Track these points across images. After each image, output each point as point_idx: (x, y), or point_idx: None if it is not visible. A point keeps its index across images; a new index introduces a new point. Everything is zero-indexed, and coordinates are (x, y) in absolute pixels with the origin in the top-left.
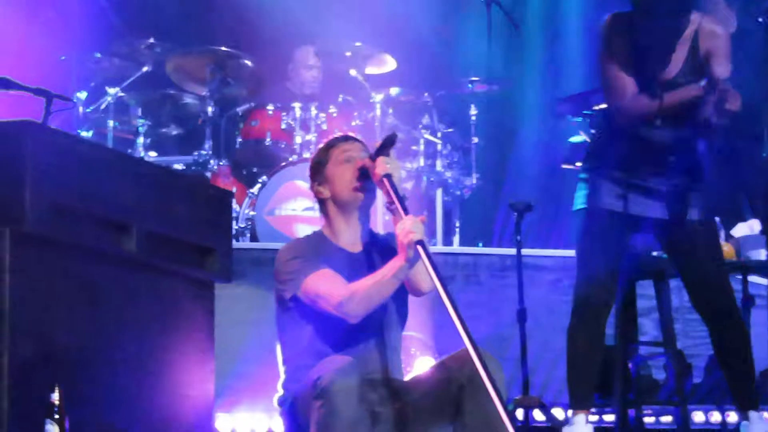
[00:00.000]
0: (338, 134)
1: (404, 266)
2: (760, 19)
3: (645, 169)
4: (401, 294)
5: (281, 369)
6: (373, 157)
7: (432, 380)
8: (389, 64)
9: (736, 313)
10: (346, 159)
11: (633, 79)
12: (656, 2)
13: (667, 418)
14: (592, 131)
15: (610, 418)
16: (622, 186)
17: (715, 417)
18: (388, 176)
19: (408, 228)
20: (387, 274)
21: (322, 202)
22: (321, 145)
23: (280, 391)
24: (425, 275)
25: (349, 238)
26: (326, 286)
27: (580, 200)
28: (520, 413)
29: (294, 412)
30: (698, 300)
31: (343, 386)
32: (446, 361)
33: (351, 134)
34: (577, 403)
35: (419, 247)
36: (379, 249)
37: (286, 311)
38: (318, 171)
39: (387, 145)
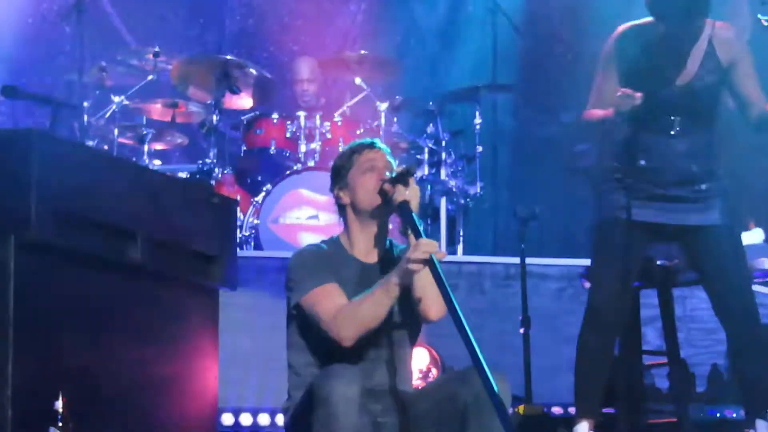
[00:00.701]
0: (364, 139)
1: (395, 283)
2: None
3: (665, 177)
4: (412, 308)
5: (288, 374)
6: (393, 183)
7: (437, 395)
8: (394, 70)
9: (757, 320)
10: (370, 168)
11: (605, 95)
12: (671, 6)
13: (669, 426)
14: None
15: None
16: (641, 195)
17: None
18: (406, 203)
19: (421, 248)
20: (376, 291)
21: (341, 207)
22: (345, 148)
23: (286, 397)
24: (434, 302)
25: (365, 247)
26: (324, 305)
27: (597, 211)
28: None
29: (296, 418)
30: (720, 305)
31: (343, 395)
32: (452, 377)
33: (377, 141)
34: (583, 411)
35: (430, 268)
36: (394, 260)
37: (293, 317)
38: (340, 175)
39: (405, 175)
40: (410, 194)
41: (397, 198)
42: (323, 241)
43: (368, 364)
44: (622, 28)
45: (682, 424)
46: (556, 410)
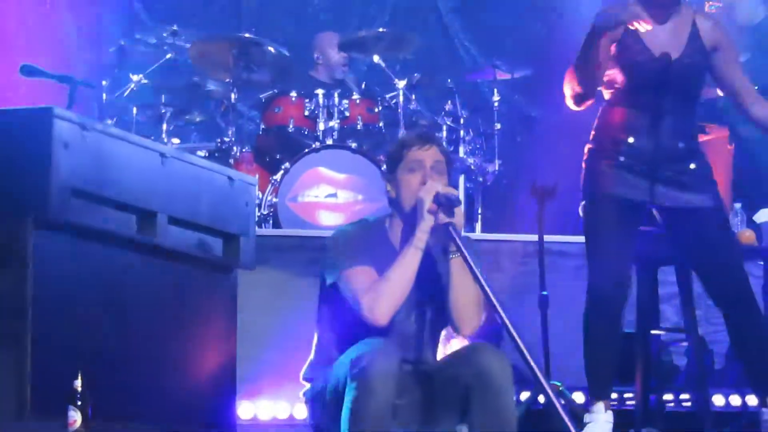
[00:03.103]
0: (419, 131)
1: (419, 237)
2: None
3: (658, 156)
4: (443, 299)
5: (314, 347)
6: (438, 206)
7: (439, 378)
8: (412, 46)
9: (752, 301)
10: (416, 167)
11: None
12: None
13: (687, 403)
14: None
15: (631, 402)
16: (629, 173)
17: (735, 401)
18: (450, 224)
19: (426, 189)
20: (403, 252)
21: (389, 198)
22: (398, 140)
23: (307, 370)
24: (468, 321)
25: (404, 237)
26: (357, 285)
27: (587, 191)
28: (540, 399)
29: (322, 390)
30: (712, 288)
31: (381, 369)
32: (453, 359)
33: (428, 136)
34: (596, 392)
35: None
36: (433, 252)
37: (326, 294)
38: (390, 166)
39: (450, 206)
40: (455, 220)
41: (442, 219)
42: (367, 220)
43: (401, 338)
44: (606, 6)
45: (702, 414)
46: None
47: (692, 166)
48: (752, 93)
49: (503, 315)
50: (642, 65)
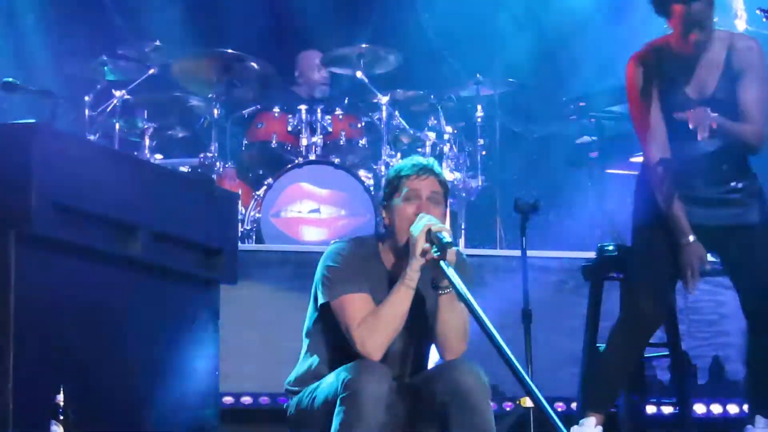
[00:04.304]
0: (417, 161)
1: (410, 276)
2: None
3: (697, 180)
4: (432, 309)
5: (301, 357)
6: (431, 244)
7: (421, 394)
8: (395, 62)
9: None
10: (412, 196)
11: (662, 131)
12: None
13: (669, 410)
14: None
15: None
16: (680, 201)
17: (717, 409)
18: (441, 262)
19: (418, 220)
20: (395, 288)
21: (385, 225)
22: (396, 167)
23: (292, 380)
24: (451, 347)
25: (396, 261)
26: (351, 314)
27: (634, 215)
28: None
29: (308, 407)
30: (749, 303)
31: (373, 393)
32: (428, 376)
33: (426, 166)
34: (594, 405)
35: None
36: (424, 279)
37: (319, 312)
38: (388, 191)
39: (445, 246)
40: (448, 257)
41: (433, 257)
42: (361, 238)
43: (390, 359)
44: (632, 57)
45: (683, 417)
46: (558, 406)
47: (740, 185)
48: (754, 122)
49: (494, 335)
50: (680, 107)
